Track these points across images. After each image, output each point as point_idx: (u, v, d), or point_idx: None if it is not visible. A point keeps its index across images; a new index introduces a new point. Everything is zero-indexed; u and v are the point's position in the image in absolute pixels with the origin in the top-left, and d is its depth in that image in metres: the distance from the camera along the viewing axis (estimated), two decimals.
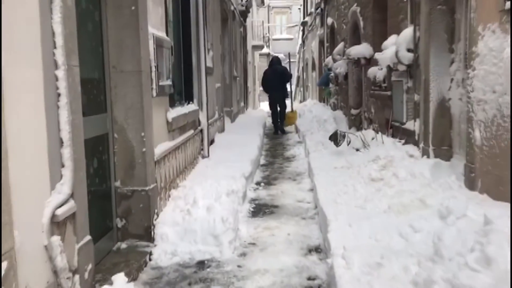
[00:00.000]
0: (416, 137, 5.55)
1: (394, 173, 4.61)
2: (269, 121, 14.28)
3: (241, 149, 7.34)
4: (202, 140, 6.56)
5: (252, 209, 4.92)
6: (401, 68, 5.80)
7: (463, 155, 4.77)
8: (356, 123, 9.67)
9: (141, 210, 3.82)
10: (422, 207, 3.37)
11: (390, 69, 6.16)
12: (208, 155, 6.63)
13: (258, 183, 6.18)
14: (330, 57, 11.49)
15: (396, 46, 5.66)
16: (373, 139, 6.41)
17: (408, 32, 5.58)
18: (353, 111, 9.72)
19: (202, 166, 6.09)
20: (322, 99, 14.81)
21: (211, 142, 7.70)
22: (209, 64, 7.59)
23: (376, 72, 7.04)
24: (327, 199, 4.30)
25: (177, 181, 4.90)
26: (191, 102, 6.03)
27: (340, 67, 10.16)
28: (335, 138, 6.57)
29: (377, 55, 6.22)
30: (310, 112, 12.42)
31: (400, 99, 6.08)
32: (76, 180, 2.56)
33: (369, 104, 8.12)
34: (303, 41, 23.28)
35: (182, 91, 5.98)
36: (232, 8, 11.28)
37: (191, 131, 5.81)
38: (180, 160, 5.10)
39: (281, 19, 36.72)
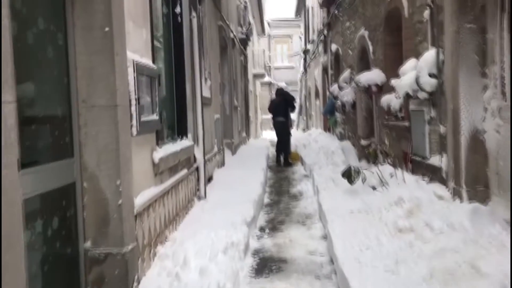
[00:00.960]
0: (444, 175, 4.81)
1: (426, 222, 3.84)
2: (272, 151, 13.70)
3: (242, 187, 6.60)
4: (198, 179, 5.82)
5: (255, 266, 4.14)
6: (422, 96, 5.11)
7: (505, 197, 4.02)
8: (366, 155, 8.95)
9: (117, 278, 3.06)
10: (475, 275, 2.60)
11: (407, 97, 5.46)
12: (205, 196, 5.88)
13: (262, 229, 5.41)
14: (336, 85, 10.86)
15: (416, 71, 4.98)
16: (392, 176, 5.67)
17: (430, 55, 4.91)
18: (363, 142, 9.01)
19: (198, 210, 5.34)
20: (327, 129, 14.12)
21: (209, 179, 6.96)
22: (207, 94, 6.93)
23: (391, 101, 6.35)
24: (346, 255, 3.53)
25: (165, 233, 4.14)
26: (184, 137, 5.32)
27: (347, 95, 9.50)
28: (349, 174, 5.82)
29: (394, 82, 5.54)
30: (316, 142, 11.71)
31: (421, 131, 5.37)
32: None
33: (382, 135, 7.41)
34: (305, 70, 22.80)
35: (175, 125, 5.28)
36: (231, 35, 10.73)
37: (185, 171, 5.08)
38: (170, 207, 4.36)
39: (282, 48, 36.47)
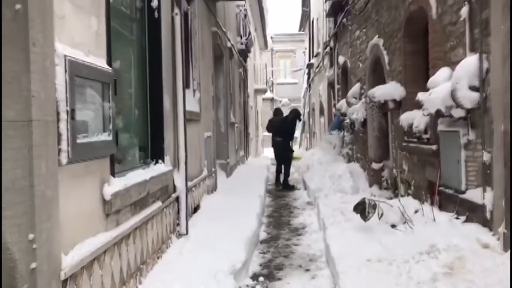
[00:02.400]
0: (487, 215, 3.75)
1: (477, 285, 2.77)
2: (273, 171, 12.81)
3: (234, 219, 5.53)
4: (178, 212, 4.76)
5: None
6: (457, 113, 4.08)
7: None
8: (379, 180, 7.90)
9: None
10: None
11: (437, 115, 4.43)
12: (187, 232, 4.81)
13: (255, 277, 4.33)
14: (344, 100, 9.84)
15: (452, 82, 3.95)
16: (416, 211, 4.60)
17: (469, 63, 3.89)
18: (374, 165, 7.96)
19: (175, 253, 4.26)
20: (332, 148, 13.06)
21: (195, 209, 5.90)
22: (194, 108, 5.91)
23: (413, 119, 5.32)
24: None
25: None
26: (160, 161, 4.28)
27: (356, 112, 8.47)
28: (362, 209, 4.75)
29: (422, 96, 4.50)
30: (320, 164, 10.63)
31: (455, 157, 4.32)
32: None
33: (399, 160, 6.35)
34: (309, 85, 21.85)
35: (147, 146, 4.24)
36: (228, 44, 9.76)
37: (158, 204, 4.03)
38: (131, 255, 3.29)
39: (285, 63, 35.60)
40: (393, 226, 4.65)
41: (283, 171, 10.87)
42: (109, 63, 2.97)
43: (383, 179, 7.95)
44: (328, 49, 12.83)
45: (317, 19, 16.88)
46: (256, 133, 22.00)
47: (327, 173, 8.86)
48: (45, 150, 2.14)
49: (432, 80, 4.36)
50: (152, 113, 4.28)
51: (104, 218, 2.86)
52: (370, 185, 8.08)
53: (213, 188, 7.37)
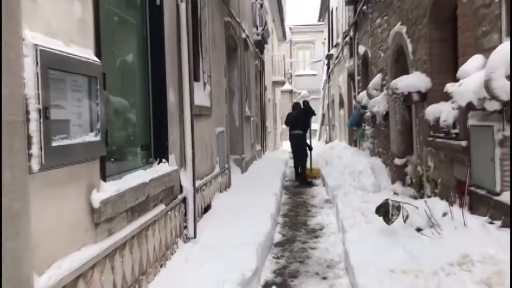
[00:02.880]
0: None
1: None
2: (291, 165, 12.55)
3: (247, 220, 5.20)
4: (185, 214, 4.45)
5: None
6: (492, 106, 3.64)
7: None
8: (401, 176, 7.46)
9: None
10: None
11: (467, 108, 3.99)
12: (195, 236, 4.50)
13: (267, 286, 3.99)
14: (364, 92, 9.39)
15: (486, 72, 3.51)
16: (445, 215, 4.19)
17: (507, 49, 3.44)
18: (397, 161, 7.52)
19: (181, 260, 3.95)
20: (353, 142, 12.62)
21: (206, 209, 5.58)
22: (204, 102, 5.58)
23: (440, 112, 4.88)
24: None
25: None
26: (163, 160, 3.96)
27: (377, 104, 8.03)
28: (385, 212, 4.35)
29: (451, 87, 4.06)
30: (340, 158, 10.22)
31: (488, 155, 3.89)
32: None
33: (424, 156, 5.92)
34: (329, 76, 21.32)
35: (150, 144, 3.92)
36: (243, 36, 9.37)
37: (161, 207, 3.71)
38: (127, 267, 2.98)
39: (304, 54, 34.99)
40: (419, 230, 4.25)
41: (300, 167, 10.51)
42: (98, 54, 2.64)
43: (406, 175, 7.52)
44: (347, 39, 12.34)
45: (337, 8, 16.34)
46: (274, 126, 21.60)
47: (347, 169, 8.46)
48: (11, 156, 1.82)
49: (462, 69, 3.92)
50: (155, 108, 3.95)
51: (92, 229, 2.55)
52: (393, 182, 7.65)
53: (226, 186, 7.04)
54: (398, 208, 4.34)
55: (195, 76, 5.48)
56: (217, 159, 6.35)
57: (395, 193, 7.40)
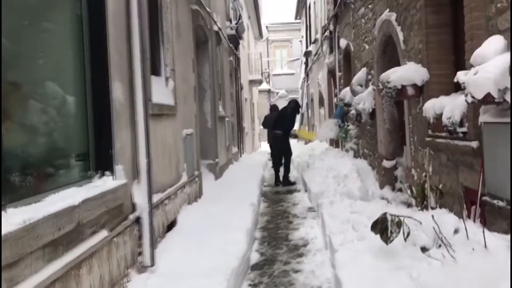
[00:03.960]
0: None
1: None
2: (270, 166, 12.04)
3: (219, 238, 4.40)
4: (140, 237, 3.62)
5: None
6: None
7: None
8: (390, 180, 6.79)
9: None
10: None
11: (485, 101, 3.27)
12: (153, 263, 3.66)
13: None
14: (347, 88, 8.69)
15: None
16: (456, 231, 3.46)
17: None
18: (386, 163, 6.84)
19: None
20: (334, 142, 11.92)
21: (170, 225, 4.76)
22: (166, 100, 4.76)
23: (443, 107, 4.16)
24: None
25: None
26: (107, 172, 3.13)
27: (363, 101, 7.33)
28: (383, 227, 3.60)
29: (462, 76, 3.32)
30: (322, 161, 9.49)
31: (506, 158, 3.18)
32: None
33: (419, 158, 5.22)
34: (307, 75, 20.65)
35: (88, 153, 3.08)
36: (215, 28, 8.55)
37: (102, 234, 2.88)
38: None
39: (281, 53, 34.30)
40: (424, 249, 3.51)
41: (282, 167, 9.87)
42: None
43: (396, 179, 6.84)
44: (327, 33, 11.64)
45: (314, 3, 15.66)
46: (252, 126, 20.83)
47: (330, 172, 7.73)
48: None
49: (478, 54, 3.19)
50: (95, 107, 3.11)
51: None
52: (381, 186, 6.96)
53: (196, 195, 6.22)
54: (399, 224, 3.58)
55: (154, 69, 4.67)
56: (184, 166, 5.52)
57: (383, 199, 6.71)
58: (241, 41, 14.93)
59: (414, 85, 4.86)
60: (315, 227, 5.62)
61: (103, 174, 3.10)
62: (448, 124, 4.05)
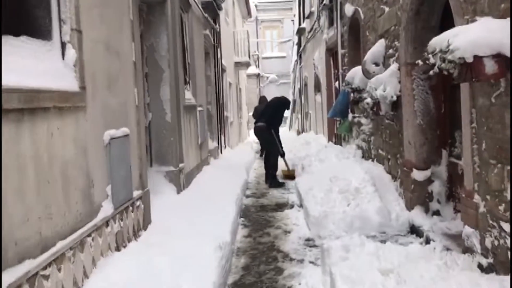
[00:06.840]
0: None
1: None
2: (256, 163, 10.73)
3: None
4: None
5: None
6: None
7: None
8: (423, 199, 4.77)
9: None
10: None
11: None
12: None
13: None
14: (356, 69, 6.55)
15: None
16: None
17: None
18: (417, 174, 4.81)
19: None
20: (334, 137, 9.81)
21: None
22: (52, 83, 2.61)
23: None
24: None
25: None
26: None
27: (383, 84, 5.22)
28: None
29: None
30: (321, 162, 7.40)
31: None
32: None
33: (491, 179, 3.12)
34: (300, 56, 18.44)
35: None
36: None
37: None
38: None
39: (271, 34, 31.90)
40: None
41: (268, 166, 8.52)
42: None
43: (431, 197, 4.80)
44: (327, 1, 9.44)
45: None
46: (239, 114, 18.65)
47: (335, 183, 5.62)
48: None
49: None
50: None
51: None
52: (410, 207, 4.91)
53: (137, 230, 4.09)
54: None
55: (31, 25, 2.51)
56: (108, 191, 3.39)
57: (414, 227, 4.69)
58: (223, 15, 12.69)
59: (498, 56, 2.75)
60: (319, 276, 3.52)
61: None
62: None
